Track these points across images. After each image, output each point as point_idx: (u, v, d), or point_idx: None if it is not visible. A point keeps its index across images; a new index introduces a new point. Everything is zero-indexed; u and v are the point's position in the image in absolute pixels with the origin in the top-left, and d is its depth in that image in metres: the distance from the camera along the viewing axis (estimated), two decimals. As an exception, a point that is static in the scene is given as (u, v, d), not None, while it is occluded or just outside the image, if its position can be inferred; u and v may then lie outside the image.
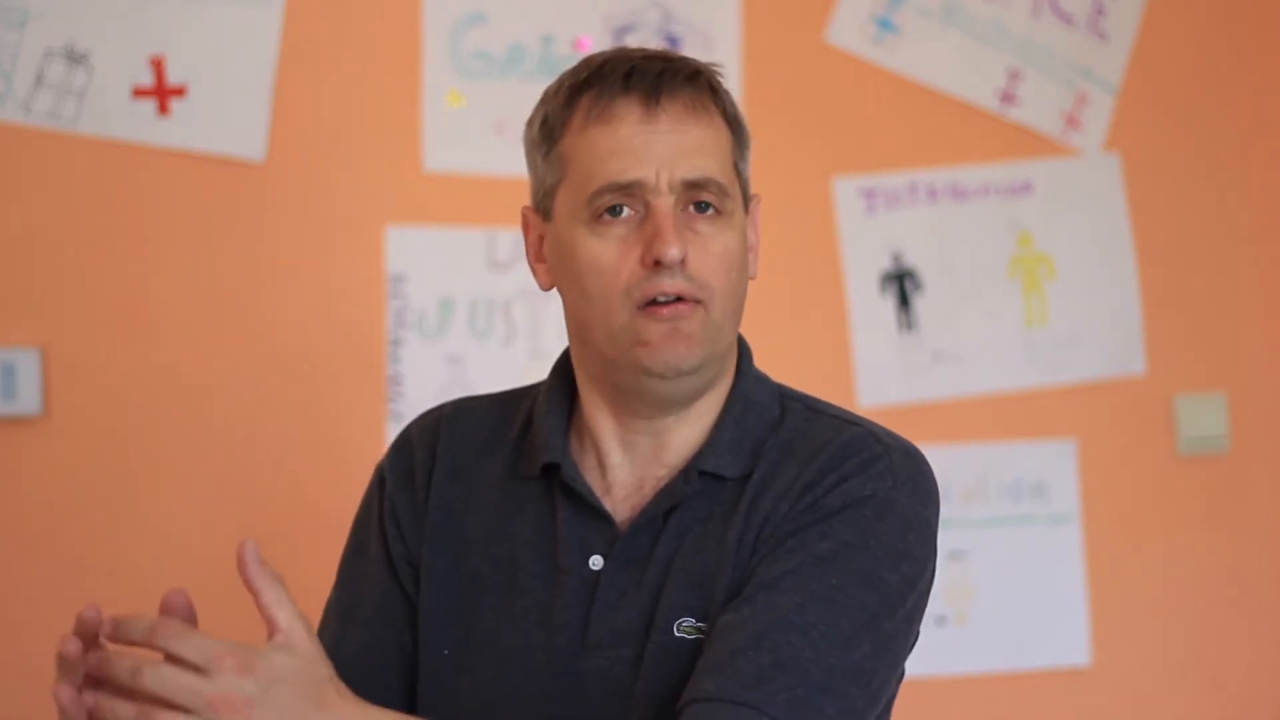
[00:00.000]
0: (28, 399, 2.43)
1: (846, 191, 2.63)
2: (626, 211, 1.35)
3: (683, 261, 1.33)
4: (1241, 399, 2.67)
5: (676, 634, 1.33)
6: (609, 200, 1.34)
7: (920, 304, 2.64)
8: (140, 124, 2.48)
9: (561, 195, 1.39)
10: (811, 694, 1.26)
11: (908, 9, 2.64)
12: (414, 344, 2.53)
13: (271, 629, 1.15)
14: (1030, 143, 2.66)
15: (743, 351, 1.47)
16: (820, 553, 1.32)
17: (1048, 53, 2.66)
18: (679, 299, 1.34)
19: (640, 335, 1.35)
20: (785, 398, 1.46)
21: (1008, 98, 2.66)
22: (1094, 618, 2.62)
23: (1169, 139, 2.68)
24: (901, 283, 2.64)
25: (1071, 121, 2.66)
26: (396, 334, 2.53)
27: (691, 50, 2.57)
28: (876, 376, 2.62)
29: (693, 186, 1.35)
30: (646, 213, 1.34)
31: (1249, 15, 2.70)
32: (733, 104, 1.42)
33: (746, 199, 1.43)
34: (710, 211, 1.36)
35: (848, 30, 2.63)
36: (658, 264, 1.33)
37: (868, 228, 2.64)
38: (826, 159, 2.63)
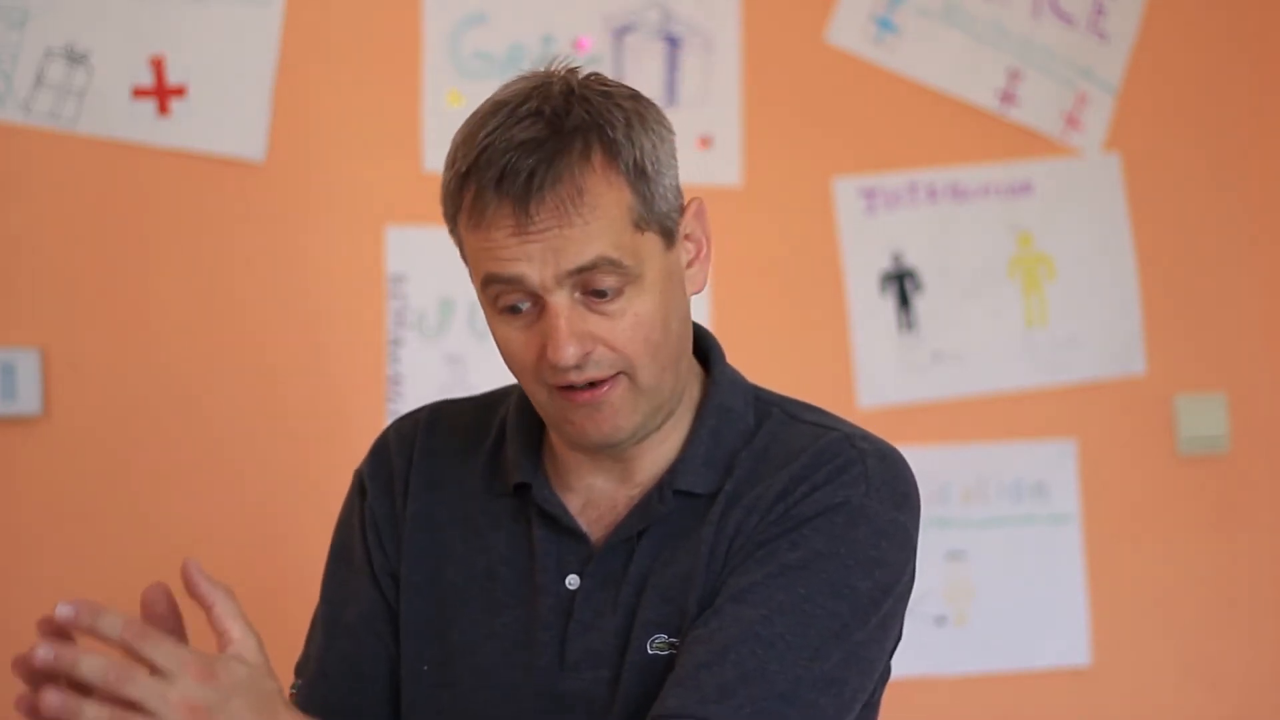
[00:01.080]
0: (28, 399, 2.43)
1: (846, 191, 2.63)
2: (525, 306, 1.30)
3: (588, 352, 1.29)
4: (1241, 399, 2.67)
5: (650, 652, 1.32)
6: (499, 292, 1.30)
7: (920, 304, 2.64)
8: (140, 124, 2.48)
9: (470, 271, 1.35)
10: (777, 705, 1.24)
11: (908, 9, 2.64)
12: (414, 344, 2.53)
13: (224, 641, 1.14)
14: (1030, 143, 2.66)
15: (711, 354, 1.44)
16: (789, 562, 1.30)
17: (1048, 53, 2.66)
18: (591, 385, 1.30)
19: (564, 415, 1.33)
20: (761, 402, 1.43)
21: (1008, 98, 2.65)
22: (1094, 618, 2.62)
23: (1169, 139, 2.68)
24: (901, 283, 2.64)
25: (1071, 121, 2.66)
26: (396, 334, 2.53)
27: (691, 50, 2.58)
28: (876, 376, 2.62)
29: (580, 272, 1.28)
30: (542, 308, 1.29)
31: (1249, 16, 2.70)
32: (639, 143, 1.31)
33: (670, 232, 1.34)
34: (609, 295, 1.30)
35: (848, 30, 2.63)
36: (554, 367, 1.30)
37: (868, 228, 2.64)
38: (826, 159, 2.62)
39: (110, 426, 2.47)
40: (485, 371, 2.50)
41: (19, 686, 1.13)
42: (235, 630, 1.14)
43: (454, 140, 1.34)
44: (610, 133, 1.30)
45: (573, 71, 1.35)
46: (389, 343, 2.53)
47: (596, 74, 1.36)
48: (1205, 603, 2.66)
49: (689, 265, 1.38)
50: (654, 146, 1.33)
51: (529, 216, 1.27)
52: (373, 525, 1.45)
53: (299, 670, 1.46)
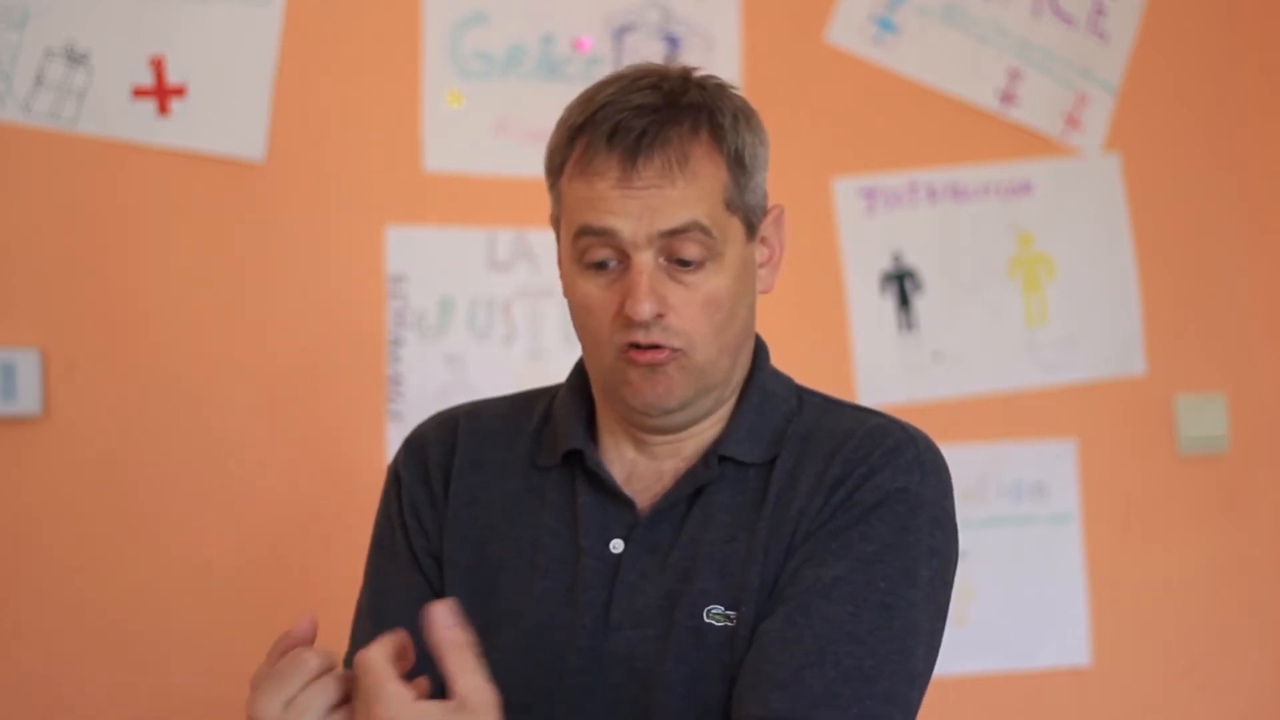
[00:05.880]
0: (28, 399, 2.43)
1: (846, 191, 2.63)
2: (611, 264, 1.38)
3: (661, 314, 1.36)
4: (1241, 399, 2.67)
5: (706, 620, 1.36)
6: (588, 244, 1.38)
7: (920, 304, 2.64)
8: (140, 124, 2.48)
9: (561, 229, 1.43)
10: (880, 705, 1.30)
11: (908, 9, 2.64)
12: (414, 344, 2.53)
13: (450, 692, 1.17)
14: (1030, 143, 2.66)
15: (760, 350, 1.51)
16: (864, 555, 1.35)
17: (1048, 53, 2.66)
18: (655, 347, 1.37)
19: (623, 376, 1.39)
20: (802, 392, 1.51)
21: (1008, 98, 2.66)
22: (1094, 618, 2.62)
23: (1169, 139, 2.68)
24: (901, 283, 2.64)
25: (1071, 121, 2.66)
26: (396, 334, 2.53)
27: (691, 50, 2.58)
28: (876, 376, 2.62)
29: (671, 234, 1.36)
30: (627, 266, 1.37)
31: (1249, 15, 2.71)
32: (741, 135, 1.41)
33: (752, 225, 1.43)
34: (691, 266, 1.37)
35: (848, 30, 2.63)
36: (630, 320, 1.36)
37: (868, 228, 2.64)
38: (826, 159, 2.63)
39: (110, 427, 2.47)
40: (485, 372, 2.51)
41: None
42: (460, 686, 1.17)
43: (568, 106, 1.43)
44: (719, 118, 1.39)
45: (690, 68, 1.44)
46: (389, 343, 2.53)
47: (712, 75, 1.45)
48: (1205, 603, 2.66)
49: (761, 266, 1.46)
50: (753, 144, 1.42)
51: (635, 170, 1.36)
52: (411, 510, 1.50)
53: (347, 662, 1.47)
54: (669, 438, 1.45)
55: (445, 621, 1.18)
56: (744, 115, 1.42)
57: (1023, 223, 2.66)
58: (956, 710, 2.62)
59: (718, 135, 1.39)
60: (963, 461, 2.62)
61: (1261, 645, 2.67)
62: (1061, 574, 2.63)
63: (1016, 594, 2.62)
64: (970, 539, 2.61)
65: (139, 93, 2.48)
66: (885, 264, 2.64)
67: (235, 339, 2.50)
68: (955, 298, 2.64)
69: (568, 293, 1.43)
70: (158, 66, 2.49)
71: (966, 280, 2.65)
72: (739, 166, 1.40)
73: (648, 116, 1.36)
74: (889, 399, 2.60)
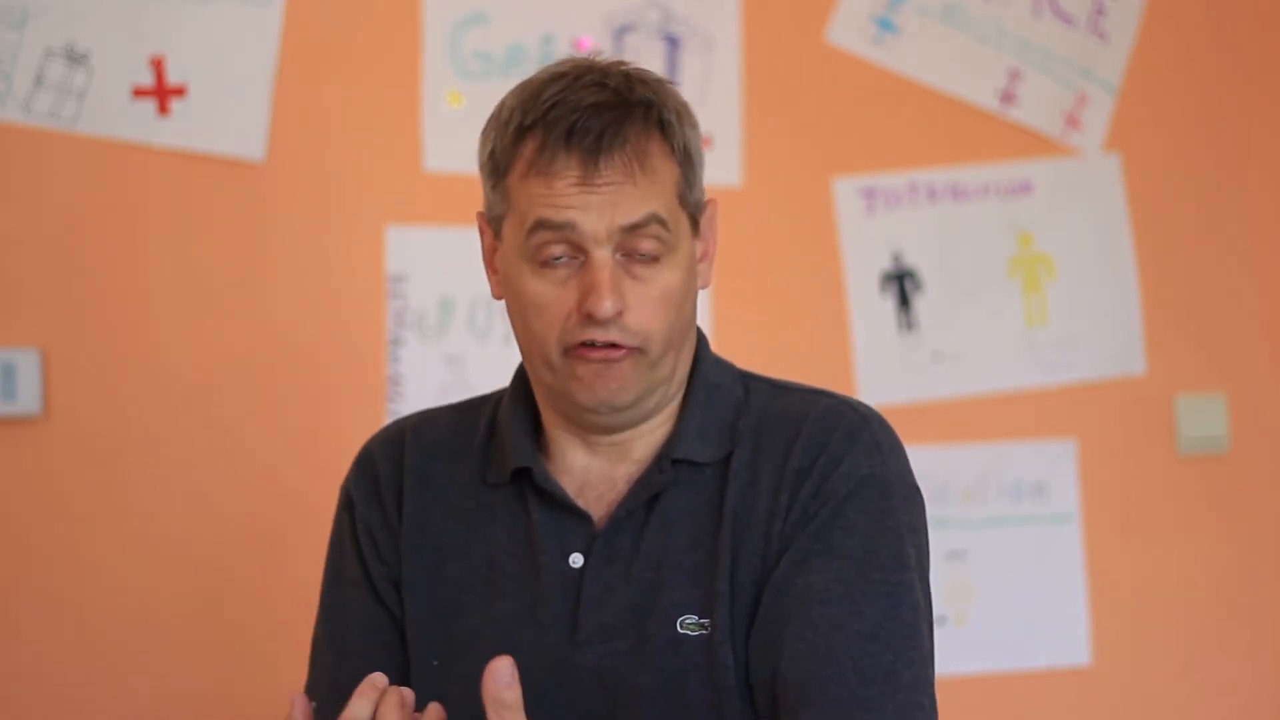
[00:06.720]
0: (28, 399, 2.43)
1: (846, 191, 2.63)
2: (564, 260, 1.36)
3: (620, 313, 1.34)
4: (1241, 399, 2.67)
5: (680, 630, 1.35)
6: (544, 238, 1.35)
7: (920, 304, 2.64)
8: (140, 124, 2.48)
9: (508, 227, 1.40)
10: (909, 695, 1.29)
11: (908, 9, 2.64)
12: (414, 344, 2.53)
13: None
14: (1030, 143, 2.66)
15: (699, 340, 1.48)
16: (851, 551, 1.34)
17: (1048, 53, 2.66)
18: (611, 345, 1.35)
19: (574, 372, 1.37)
20: (747, 378, 1.48)
21: (1008, 98, 2.66)
22: (1094, 618, 2.62)
23: (1169, 139, 2.68)
24: (901, 283, 2.64)
25: (1071, 121, 2.66)
26: (396, 334, 2.53)
27: (691, 50, 2.58)
28: (876, 376, 2.62)
29: (631, 230, 1.34)
30: (585, 261, 1.35)
31: (1249, 16, 2.70)
32: (686, 131, 1.41)
33: (696, 220, 1.42)
34: (646, 260, 1.36)
35: (848, 30, 2.63)
36: (591, 316, 1.34)
37: (868, 228, 2.64)
38: (826, 159, 2.63)
39: (110, 426, 2.47)
40: (485, 372, 2.51)
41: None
42: None
43: (504, 104, 1.40)
44: (667, 114, 1.39)
45: (622, 61, 1.43)
46: (389, 343, 2.53)
47: (644, 69, 1.43)
48: (1205, 602, 2.66)
49: (700, 261, 1.44)
50: (696, 140, 1.42)
51: (596, 170, 1.34)
52: (366, 535, 1.47)
53: (309, 694, 1.46)
54: (616, 437, 1.42)
55: (504, 680, 1.15)
56: (684, 110, 1.42)
57: (1023, 223, 2.66)
58: (956, 710, 2.61)
59: (668, 133, 1.39)
60: (963, 461, 2.62)
61: (1261, 645, 2.67)
62: (1061, 574, 2.63)
63: (1016, 594, 2.62)
64: (970, 539, 2.62)
65: (139, 93, 2.48)
66: (885, 264, 2.64)
67: (235, 339, 2.50)
68: (955, 298, 2.64)
69: (511, 289, 1.40)
70: (158, 66, 2.49)
71: (966, 280, 2.65)
72: (687, 161, 1.40)
73: (605, 115, 1.35)
74: (889, 399, 2.60)
